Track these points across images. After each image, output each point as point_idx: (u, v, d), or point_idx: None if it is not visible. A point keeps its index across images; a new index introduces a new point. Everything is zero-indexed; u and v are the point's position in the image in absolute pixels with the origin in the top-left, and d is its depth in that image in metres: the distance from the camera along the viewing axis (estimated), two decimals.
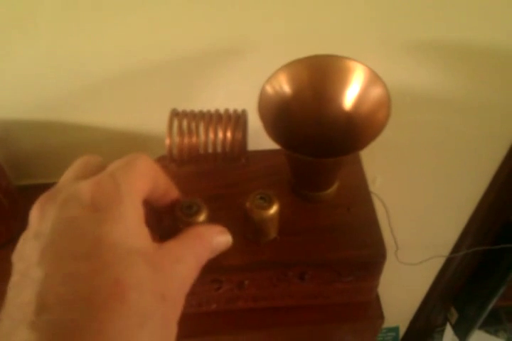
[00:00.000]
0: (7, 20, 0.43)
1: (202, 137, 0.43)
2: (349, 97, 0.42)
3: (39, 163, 0.56)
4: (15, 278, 0.24)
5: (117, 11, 0.43)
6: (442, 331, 1.15)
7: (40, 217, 0.25)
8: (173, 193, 0.32)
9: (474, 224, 0.81)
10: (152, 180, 0.28)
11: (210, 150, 0.44)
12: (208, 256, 0.29)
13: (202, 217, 0.34)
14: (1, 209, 0.48)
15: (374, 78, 0.40)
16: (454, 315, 1.08)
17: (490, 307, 1.01)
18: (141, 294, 0.23)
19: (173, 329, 0.25)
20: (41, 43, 0.45)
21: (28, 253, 0.24)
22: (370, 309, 0.48)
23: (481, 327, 1.11)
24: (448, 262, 0.92)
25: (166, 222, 0.33)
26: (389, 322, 1.11)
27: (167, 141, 0.43)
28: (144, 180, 0.27)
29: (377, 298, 0.49)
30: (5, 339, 0.22)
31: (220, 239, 0.30)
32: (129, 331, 0.22)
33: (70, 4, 0.42)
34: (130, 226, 0.25)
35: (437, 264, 0.92)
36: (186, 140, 0.43)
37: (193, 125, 0.43)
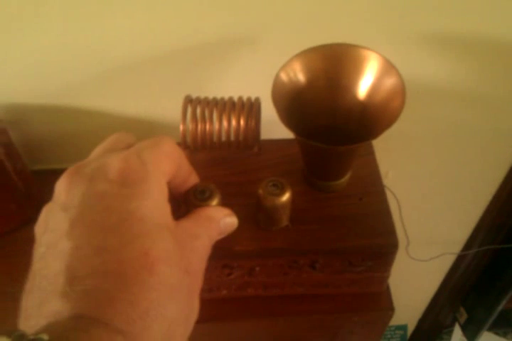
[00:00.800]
0: (21, 6, 0.43)
1: (215, 124, 0.44)
2: (363, 86, 0.42)
3: (53, 148, 0.57)
4: (41, 250, 0.25)
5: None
6: (451, 331, 1.14)
7: (68, 190, 0.26)
8: (194, 180, 0.33)
9: (486, 222, 0.81)
10: (176, 164, 0.29)
11: (223, 137, 0.44)
12: (216, 236, 0.30)
13: (214, 202, 0.34)
14: (16, 192, 0.49)
15: (388, 67, 0.40)
16: (463, 316, 1.08)
17: (499, 308, 1.00)
18: (169, 267, 0.24)
19: (196, 303, 0.26)
20: (55, 30, 0.45)
21: (55, 224, 0.25)
22: (381, 300, 0.48)
23: (490, 329, 1.11)
24: (458, 260, 0.91)
25: (183, 208, 0.34)
26: (397, 319, 1.10)
27: (181, 128, 0.43)
28: (168, 161, 0.28)
29: (388, 290, 0.49)
30: (36, 309, 0.22)
31: (228, 220, 0.31)
32: (159, 302, 0.23)
33: None
34: (156, 203, 0.25)
35: (447, 262, 0.92)
36: (200, 127, 0.43)
37: (207, 112, 0.43)
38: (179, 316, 0.24)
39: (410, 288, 0.94)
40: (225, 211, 0.31)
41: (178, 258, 0.25)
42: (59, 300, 0.22)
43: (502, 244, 0.84)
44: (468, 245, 0.86)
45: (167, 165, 0.28)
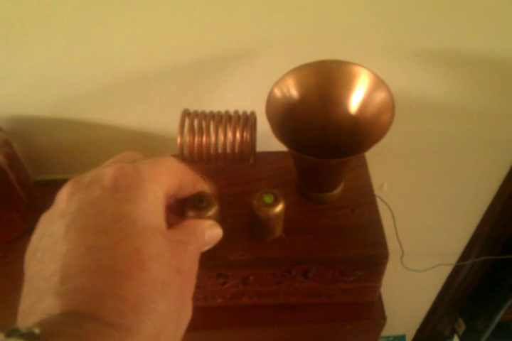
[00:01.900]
0: (26, 21, 0.45)
1: (212, 137, 0.45)
2: (354, 101, 0.43)
3: (55, 159, 0.58)
4: (39, 255, 0.26)
5: (133, 15, 0.46)
6: None
7: (67, 199, 0.27)
8: (201, 187, 0.34)
9: (482, 233, 0.81)
10: (179, 178, 0.30)
11: (219, 149, 0.46)
12: (202, 247, 0.31)
13: (211, 212, 0.35)
14: (18, 202, 0.50)
15: (378, 83, 0.42)
16: (462, 327, 1.08)
17: (498, 319, 1.00)
18: (160, 264, 0.25)
19: (189, 303, 0.27)
20: (59, 44, 0.47)
21: (52, 230, 0.26)
22: (373, 309, 0.49)
23: (488, 340, 1.11)
24: (455, 271, 0.92)
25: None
26: (396, 329, 1.10)
27: (178, 140, 0.45)
28: (167, 173, 0.29)
29: (380, 299, 0.50)
30: (32, 308, 0.23)
31: (212, 232, 0.32)
32: (150, 296, 0.24)
33: (87, 7, 0.44)
34: (148, 207, 0.26)
35: (444, 273, 0.92)
36: (197, 139, 0.45)
37: (204, 125, 0.45)
38: (170, 311, 0.25)
39: (408, 298, 0.95)
40: (208, 222, 0.32)
41: (169, 256, 0.26)
42: (52, 298, 0.23)
43: (499, 255, 0.85)
44: (464, 256, 0.87)
45: (165, 177, 0.29)
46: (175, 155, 0.46)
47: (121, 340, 0.22)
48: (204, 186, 0.34)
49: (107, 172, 0.27)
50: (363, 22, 0.49)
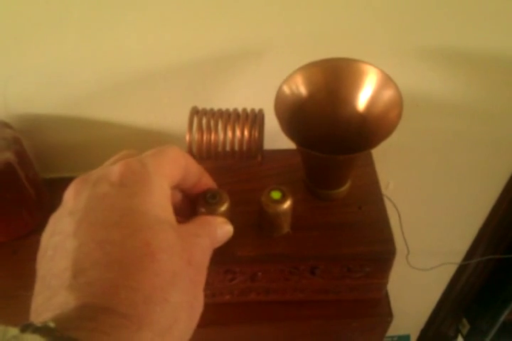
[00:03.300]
0: (36, 20, 0.46)
1: (220, 135, 0.45)
2: (362, 99, 0.44)
3: (64, 157, 0.59)
4: (49, 253, 0.26)
5: (142, 15, 0.46)
6: None
7: (75, 197, 0.27)
8: (207, 181, 0.34)
9: (487, 232, 0.82)
10: (182, 167, 0.30)
11: (227, 147, 0.46)
12: (214, 243, 0.31)
13: (223, 208, 0.36)
14: (27, 200, 0.51)
15: (386, 80, 0.42)
16: (466, 327, 1.08)
17: (502, 319, 1.00)
18: (170, 256, 0.25)
19: (200, 294, 0.27)
20: (70, 43, 0.48)
21: (62, 228, 0.26)
22: (380, 306, 0.50)
23: (493, 340, 1.10)
24: (460, 271, 0.92)
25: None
26: (400, 329, 1.10)
27: (187, 138, 0.45)
28: (172, 165, 0.29)
29: (387, 296, 0.51)
30: (45, 305, 0.23)
31: (223, 228, 0.32)
32: (162, 287, 0.24)
33: (96, 6, 0.45)
34: (157, 200, 0.27)
35: (449, 272, 0.92)
36: (205, 137, 0.45)
37: (212, 123, 0.45)
38: (182, 301, 0.25)
39: (412, 298, 0.95)
40: (220, 219, 0.33)
41: (180, 249, 0.26)
42: (65, 293, 0.23)
43: (504, 254, 0.85)
44: (469, 255, 0.87)
45: (170, 168, 0.29)
46: None
47: (134, 330, 0.22)
48: (210, 180, 0.34)
49: (114, 168, 0.27)
50: (370, 20, 0.49)
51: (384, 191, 0.51)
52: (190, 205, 0.34)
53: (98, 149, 0.57)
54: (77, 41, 0.48)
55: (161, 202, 0.27)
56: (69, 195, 0.28)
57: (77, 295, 0.23)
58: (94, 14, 0.46)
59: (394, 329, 1.07)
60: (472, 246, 0.85)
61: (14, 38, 0.47)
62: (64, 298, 0.23)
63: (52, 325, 0.20)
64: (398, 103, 0.41)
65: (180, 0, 0.45)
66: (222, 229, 0.32)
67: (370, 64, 0.42)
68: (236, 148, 0.46)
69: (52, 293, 0.24)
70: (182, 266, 0.26)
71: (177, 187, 0.32)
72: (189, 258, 0.26)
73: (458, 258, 0.87)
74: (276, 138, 0.44)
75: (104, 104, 0.53)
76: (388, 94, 0.42)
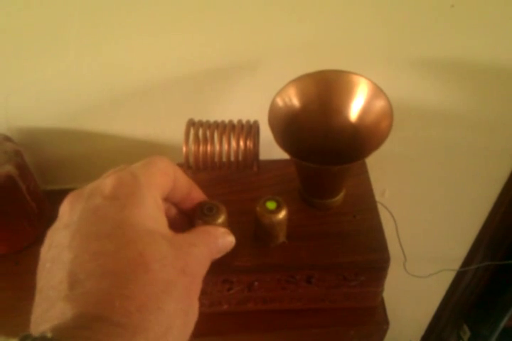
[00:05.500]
0: (35, 35, 0.47)
1: (216, 146, 0.46)
2: (354, 109, 0.45)
3: (64, 169, 0.60)
4: (47, 266, 0.27)
5: (139, 29, 0.47)
6: None
7: (69, 210, 0.28)
8: (197, 194, 0.35)
9: (484, 238, 0.82)
10: (171, 178, 0.31)
11: (223, 158, 0.47)
12: (215, 253, 0.32)
13: (220, 219, 0.36)
14: (29, 211, 0.51)
15: (377, 91, 0.43)
16: (467, 333, 1.08)
17: (502, 325, 1.00)
18: (163, 266, 0.26)
19: (195, 303, 0.28)
20: (68, 57, 0.49)
21: (58, 241, 0.27)
22: (376, 314, 0.50)
23: None
24: (459, 277, 0.92)
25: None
26: (401, 336, 1.10)
27: (184, 149, 0.46)
28: (162, 176, 0.30)
29: (383, 304, 0.51)
30: (43, 316, 0.24)
31: (225, 239, 0.33)
32: (156, 296, 0.25)
33: (95, 22, 0.46)
34: (148, 212, 0.28)
35: (448, 279, 0.93)
36: (202, 148, 0.46)
37: (208, 134, 0.46)
38: (176, 309, 0.26)
39: (412, 305, 0.95)
40: (222, 230, 0.33)
41: (173, 258, 0.27)
42: (62, 304, 0.24)
43: (502, 260, 0.85)
44: (467, 261, 0.87)
45: (160, 178, 0.30)
46: (180, 164, 0.47)
47: (129, 338, 0.23)
48: (200, 193, 0.35)
49: (106, 182, 0.28)
50: (364, 32, 0.50)
51: (380, 199, 0.51)
52: (187, 219, 0.35)
53: (97, 161, 0.58)
54: (76, 56, 0.49)
55: (152, 213, 0.28)
56: (64, 208, 0.29)
57: (73, 305, 0.23)
58: (92, 30, 0.47)
59: (394, 337, 1.08)
60: (470, 253, 0.85)
61: (15, 54, 0.48)
62: (61, 309, 0.23)
63: (49, 335, 0.21)
64: (389, 113, 0.42)
65: (176, 15, 0.46)
66: (224, 239, 0.33)
67: (361, 75, 0.43)
68: (232, 158, 0.47)
69: (50, 305, 0.24)
70: (175, 275, 0.26)
71: (168, 200, 0.32)
72: (183, 268, 0.27)
73: (456, 264, 0.87)
74: (272, 148, 0.45)
75: (102, 116, 0.55)
76: (379, 104, 0.43)
